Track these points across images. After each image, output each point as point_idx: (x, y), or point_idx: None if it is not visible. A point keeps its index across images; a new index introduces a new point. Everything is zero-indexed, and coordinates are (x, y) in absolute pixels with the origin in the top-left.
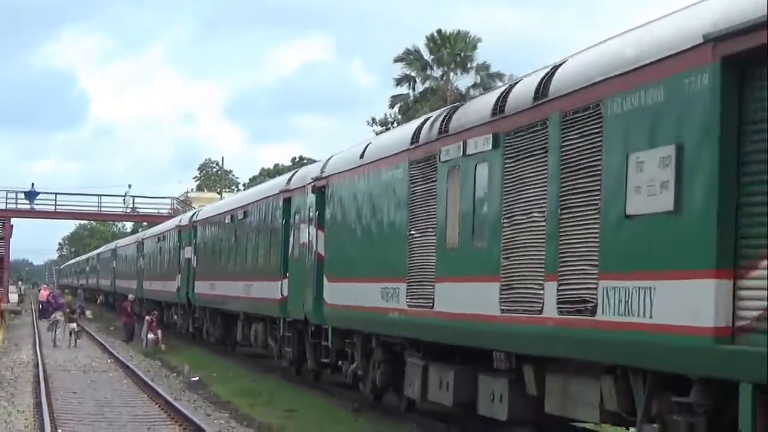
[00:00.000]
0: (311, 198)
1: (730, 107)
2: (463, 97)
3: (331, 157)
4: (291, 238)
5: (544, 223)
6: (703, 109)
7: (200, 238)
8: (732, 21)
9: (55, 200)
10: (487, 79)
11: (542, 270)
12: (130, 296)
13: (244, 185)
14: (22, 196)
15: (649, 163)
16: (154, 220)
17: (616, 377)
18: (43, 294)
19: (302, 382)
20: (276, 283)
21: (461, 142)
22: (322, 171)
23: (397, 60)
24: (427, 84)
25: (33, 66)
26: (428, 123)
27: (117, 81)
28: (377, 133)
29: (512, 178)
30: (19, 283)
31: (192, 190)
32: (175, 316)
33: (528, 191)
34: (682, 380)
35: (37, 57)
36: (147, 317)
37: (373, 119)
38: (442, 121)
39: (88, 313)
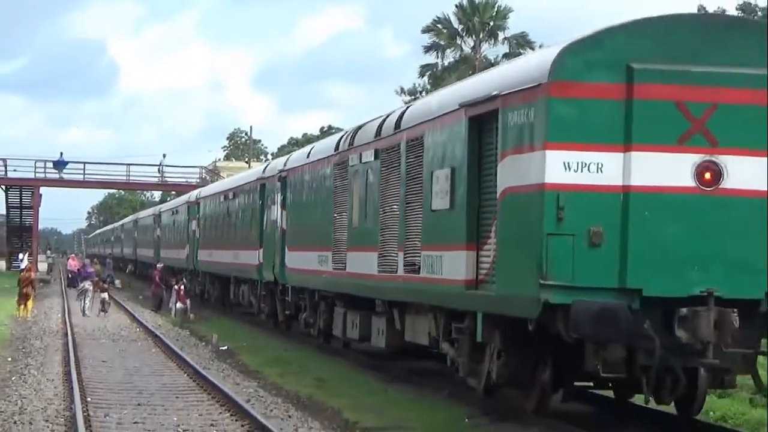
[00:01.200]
0: (277, 185)
1: (474, 146)
2: (493, 65)
3: (292, 154)
4: (265, 216)
5: (398, 212)
6: (461, 147)
7: (202, 213)
8: (473, 96)
9: (84, 169)
10: (517, 47)
11: (397, 243)
12: (159, 265)
13: (272, 155)
14: (50, 165)
15: (440, 178)
16: (183, 189)
17: (434, 314)
18: (72, 263)
19: (333, 352)
20: (255, 252)
21: (359, 153)
22: (284, 165)
23: (426, 30)
24: (456, 54)
25: (63, 34)
26: (344, 137)
27: (146, 50)
28: (405, 103)
29: (385, 180)
30: (48, 252)
31: (220, 159)
32: (184, 280)
33: (392, 190)
34: (461, 313)
35: (67, 25)
36: (175, 286)
37: (402, 89)
38: (350, 137)
39: (116, 282)
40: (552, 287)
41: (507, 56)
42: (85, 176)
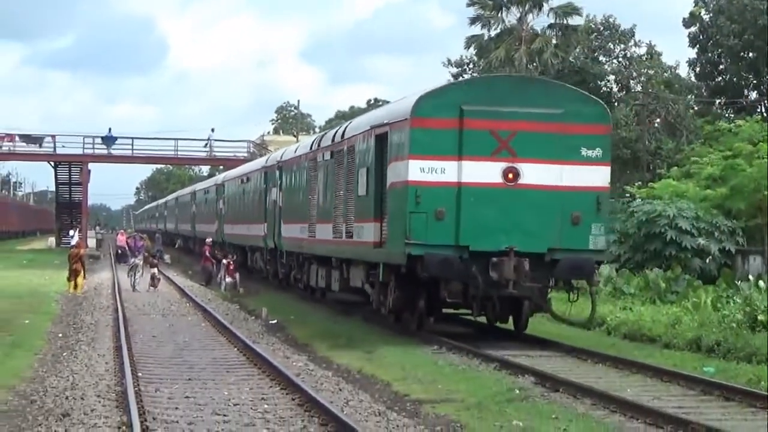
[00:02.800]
0: (276, 173)
1: (378, 154)
2: (538, 36)
3: (287, 148)
4: (268, 197)
5: (342, 196)
6: (371, 154)
7: (226, 193)
8: (377, 122)
9: (132, 145)
10: (563, 17)
11: (342, 218)
12: (209, 239)
13: (320, 128)
14: (99, 141)
15: (362, 174)
16: (231, 163)
17: (365, 267)
18: (121, 239)
19: (380, 324)
20: (261, 225)
21: (323, 153)
22: (281, 157)
23: (471, 3)
24: (502, 25)
25: (112, 10)
26: (315, 140)
27: (194, 25)
28: (452, 75)
29: (336, 174)
30: (97, 228)
31: (269, 133)
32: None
33: (339, 181)
34: (375, 264)
35: (117, 1)
36: (224, 261)
37: (449, 60)
38: (319, 140)
39: (166, 257)
40: (413, 245)
41: (552, 27)
42: (134, 152)
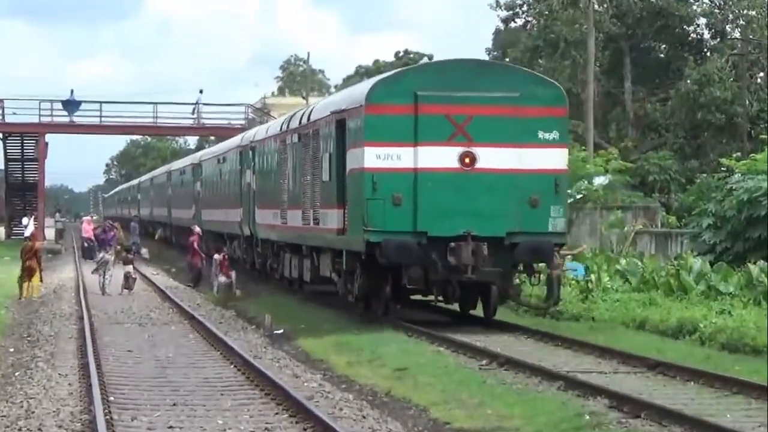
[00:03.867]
0: (250, 153)
1: (339, 138)
2: None
3: (259, 127)
4: (243, 180)
5: (309, 182)
6: (333, 139)
7: (203, 174)
8: (337, 106)
9: (101, 111)
10: None
11: (310, 203)
12: (197, 229)
13: (336, 87)
14: (59, 106)
15: (325, 159)
16: (224, 133)
17: (331, 254)
18: (87, 228)
19: (413, 332)
20: (237, 210)
21: (291, 135)
22: (254, 136)
23: None
24: None
25: None
26: (284, 121)
27: None
28: (502, 19)
29: (303, 158)
30: (57, 215)
31: (272, 94)
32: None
33: (306, 165)
34: (340, 251)
35: None
36: (216, 255)
37: (497, 2)
38: (288, 121)
39: (143, 251)
40: (371, 231)
41: None
42: (102, 119)
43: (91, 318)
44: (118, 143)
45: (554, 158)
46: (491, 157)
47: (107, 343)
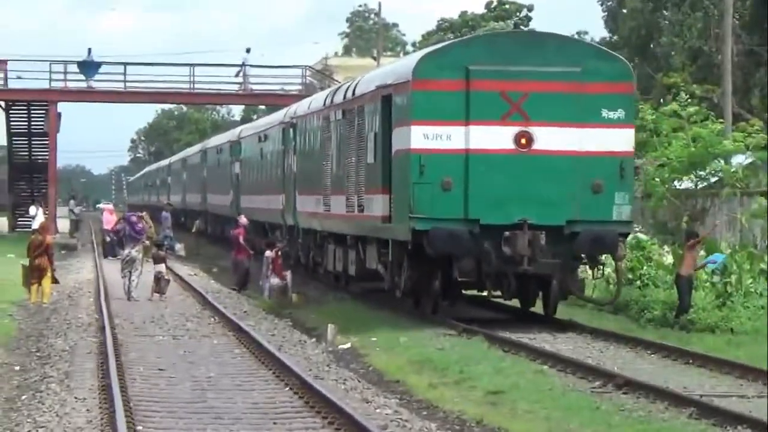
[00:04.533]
0: (291, 131)
1: (385, 116)
2: None
3: (301, 102)
4: (285, 161)
5: (354, 163)
6: (379, 116)
7: (243, 153)
8: (383, 80)
9: (125, 74)
10: None
11: (354, 187)
12: (242, 219)
13: (414, 46)
14: (74, 68)
15: (370, 138)
16: (276, 101)
17: (377, 245)
18: (109, 218)
19: (507, 344)
20: (279, 197)
21: (335, 111)
22: (295, 112)
23: None
24: None
25: None
26: (328, 95)
27: None
28: None
29: (348, 137)
30: (72, 202)
31: (337, 54)
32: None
33: (351, 145)
34: (386, 241)
35: None
36: (268, 252)
37: None
38: (332, 96)
39: (178, 247)
40: (417, 219)
41: None
42: (127, 85)
43: (114, 329)
44: (146, 114)
45: (619, 139)
46: (550, 138)
47: (134, 360)
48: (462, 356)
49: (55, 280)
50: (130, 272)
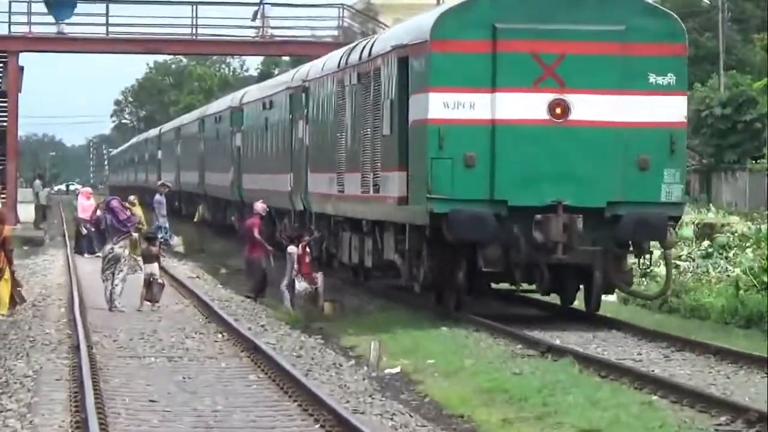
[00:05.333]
0: (302, 97)
1: (402, 81)
2: None
3: (313, 64)
4: (293, 134)
5: (369, 136)
6: (395, 81)
7: (245, 123)
8: (399, 40)
9: (107, 15)
10: None
11: (370, 164)
12: (258, 206)
13: None
14: (42, 9)
15: (386, 106)
16: (304, 51)
17: (393, 231)
18: (86, 204)
19: (602, 369)
20: (286, 177)
21: (350, 74)
22: (307, 75)
23: None
24: None
25: None
26: (345, 53)
27: None
28: None
29: (363, 105)
30: (38, 183)
31: None
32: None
33: (366, 114)
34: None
35: None
36: (291, 248)
37: None
38: (346, 56)
39: (175, 240)
40: (436, 200)
41: None
42: (111, 30)
43: (92, 348)
44: (135, 69)
45: (670, 108)
46: (589, 107)
47: (117, 388)
48: (545, 383)
49: (16, 286)
50: (113, 274)
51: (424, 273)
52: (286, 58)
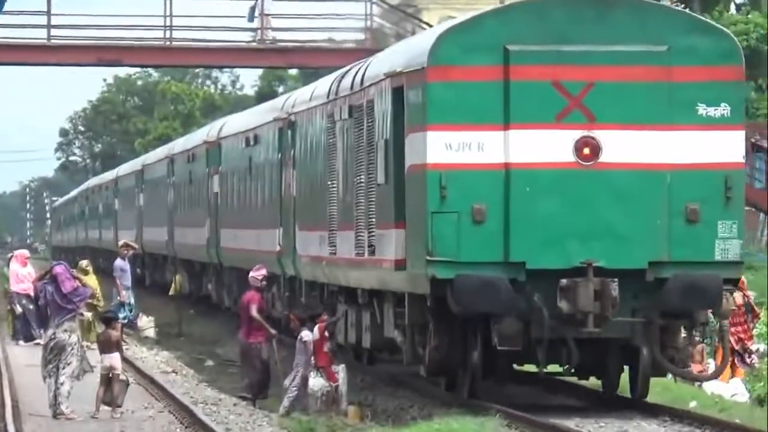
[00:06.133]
0: (289, 133)
1: (398, 116)
2: None
3: (301, 92)
4: (283, 178)
5: (363, 184)
6: (390, 115)
7: (223, 162)
8: (393, 66)
9: (48, 13)
10: None
11: (365, 219)
12: (259, 272)
13: None
14: None
15: (380, 148)
16: (318, 61)
17: (393, 301)
18: (21, 273)
19: None
20: (273, 233)
21: (341, 107)
22: (293, 105)
23: None
24: None
25: None
26: (333, 82)
27: None
28: None
29: (356, 146)
30: None
31: None
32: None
33: (360, 157)
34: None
35: None
36: (305, 333)
37: None
38: (337, 83)
39: (144, 320)
40: (438, 263)
41: None
42: (54, 34)
43: None
44: (88, 86)
45: (724, 145)
46: (624, 146)
47: None
48: None
49: None
50: (58, 368)
51: (430, 353)
52: (293, 72)
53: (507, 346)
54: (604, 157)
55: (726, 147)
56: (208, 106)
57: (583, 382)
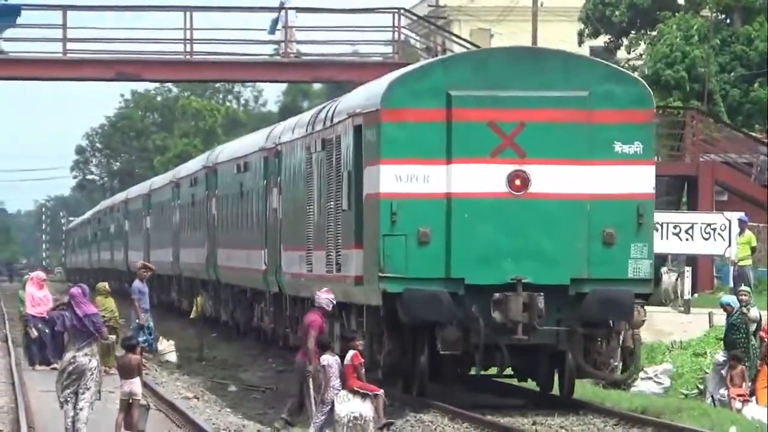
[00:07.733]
0: (275, 162)
1: (358, 151)
2: None
3: (285, 124)
4: (268, 203)
5: (333, 209)
6: (352, 150)
7: (219, 187)
8: (352, 107)
9: (65, 26)
10: None
11: (333, 241)
12: (323, 296)
13: None
14: None
15: (345, 178)
16: (347, 75)
17: (355, 313)
18: (37, 296)
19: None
20: (259, 253)
21: (316, 140)
22: (279, 136)
23: None
24: None
25: None
26: (311, 117)
27: None
28: None
29: (327, 175)
30: None
31: None
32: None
33: (330, 185)
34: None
35: None
36: (326, 357)
37: None
38: (313, 118)
39: (164, 344)
40: (389, 279)
41: None
42: (69, 48)
43: None
44: (105, 102)
45: (636, 179)
46: (550, 178)
47: None
48: None
49: None
50: (77, 394)
51: (384, 357)
52: (317, 86)
53: (449, 351)
54: (533, 188)
55: (638, 180)
56: (230, 123)
57: (523, 384)
